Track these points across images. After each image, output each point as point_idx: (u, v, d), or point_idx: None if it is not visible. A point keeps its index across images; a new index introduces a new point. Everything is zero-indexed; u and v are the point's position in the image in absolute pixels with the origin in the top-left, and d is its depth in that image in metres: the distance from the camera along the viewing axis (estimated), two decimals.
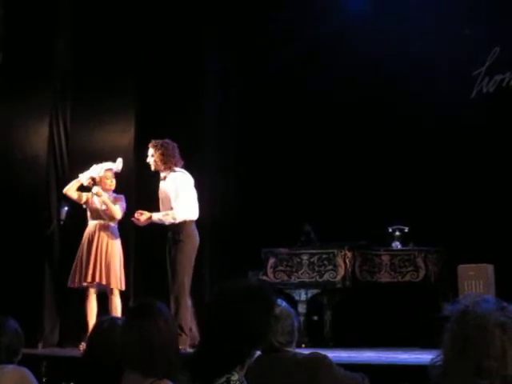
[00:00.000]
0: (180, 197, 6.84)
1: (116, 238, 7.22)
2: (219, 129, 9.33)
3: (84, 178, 7.23)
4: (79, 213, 7.42)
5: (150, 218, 6.87)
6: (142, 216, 6.88)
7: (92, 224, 7.22)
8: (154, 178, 7.24)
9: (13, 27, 8.06)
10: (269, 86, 9.30)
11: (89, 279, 7.03)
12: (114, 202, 7.22)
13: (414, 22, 8.60)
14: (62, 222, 7.80)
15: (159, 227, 6.99)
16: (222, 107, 9.41)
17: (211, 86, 9.25)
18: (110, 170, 7.28)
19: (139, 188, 7.09)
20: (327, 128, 9.12)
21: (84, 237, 7.20)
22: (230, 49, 9.44)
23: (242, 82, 9.53)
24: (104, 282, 7.04)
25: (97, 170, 7.24)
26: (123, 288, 7.18)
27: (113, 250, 7.15)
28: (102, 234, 7.15)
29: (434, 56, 8.62)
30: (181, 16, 8.69)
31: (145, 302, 2.67)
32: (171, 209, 6.85)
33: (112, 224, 7.22)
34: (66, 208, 7.66)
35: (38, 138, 8.24)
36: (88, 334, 3.14)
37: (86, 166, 7.33)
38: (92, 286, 7.11)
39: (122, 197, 7.31)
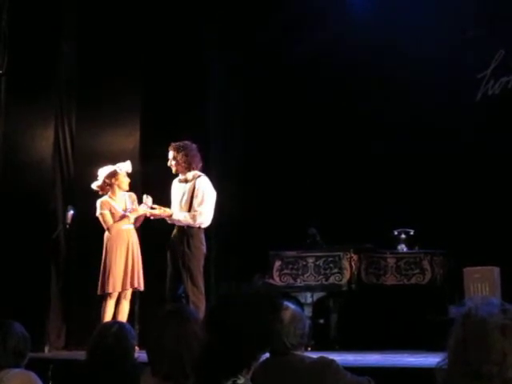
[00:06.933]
0: (206, 202, 6.77)
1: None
2: (225, 131, 9.34)
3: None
4: (84, 216, 7.43)
5: (170, 216, 6.77)
6: (160, 211, 6.81)
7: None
8: (160, 180, 7.24)
9: (17, 31, 8.08)
10: (274, 87, 9.31)
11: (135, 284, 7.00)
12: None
13: (417, 24, 8.58)
14: (67, 226, 7.79)
15: (163, 231, 6.98)
16: (227, 110, 9.41)
17: (217, 88, 9.26)
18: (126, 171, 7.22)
19: (145, 191, 7.08)
20: (332, 130, 9.14)
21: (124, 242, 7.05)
22: (235, 50, 9.43)
23: (247, 84, 9.53)
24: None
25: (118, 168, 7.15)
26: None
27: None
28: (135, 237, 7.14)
29: (439, 59, 8.63)
30: (185, 18, 8.70)
31: (179, 305, 2.67)
32: (189, 211, 6.76)
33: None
34: (72, 211, 7.65)
35: (44, 141, 8.25)
36: (93, 337, 3.11)
37: (91, 170, 7.32)
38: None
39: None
